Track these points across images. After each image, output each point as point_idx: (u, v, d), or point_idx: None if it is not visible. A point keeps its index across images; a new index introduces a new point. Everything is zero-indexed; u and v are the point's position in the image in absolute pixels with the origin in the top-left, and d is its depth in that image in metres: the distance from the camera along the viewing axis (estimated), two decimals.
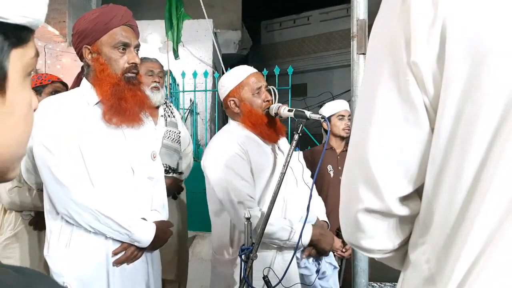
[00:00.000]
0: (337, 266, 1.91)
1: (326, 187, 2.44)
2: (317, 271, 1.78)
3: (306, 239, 1.68)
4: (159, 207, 1.65)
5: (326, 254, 1.81)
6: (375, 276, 1.77)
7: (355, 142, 0.66)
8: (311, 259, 1.78)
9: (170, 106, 2.58)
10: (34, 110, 0.50)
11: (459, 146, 0.55)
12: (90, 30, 1.51)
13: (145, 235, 1.52)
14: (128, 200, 1.52)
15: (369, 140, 0.62)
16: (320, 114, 1.63)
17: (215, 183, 1.70)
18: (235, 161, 1.67)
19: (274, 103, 1.79)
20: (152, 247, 1.57)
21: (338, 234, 2.33)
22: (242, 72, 1.81)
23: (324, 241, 1.75)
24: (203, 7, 3.95)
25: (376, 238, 0.66)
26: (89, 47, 1.52)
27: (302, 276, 1.74)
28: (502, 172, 0.52)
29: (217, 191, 1.70)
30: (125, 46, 1.53)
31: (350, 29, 1.44)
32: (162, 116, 2.49)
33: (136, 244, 1.51)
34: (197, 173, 1.98)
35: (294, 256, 1.58)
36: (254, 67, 1.85)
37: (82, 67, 1.61)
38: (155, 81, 2.43)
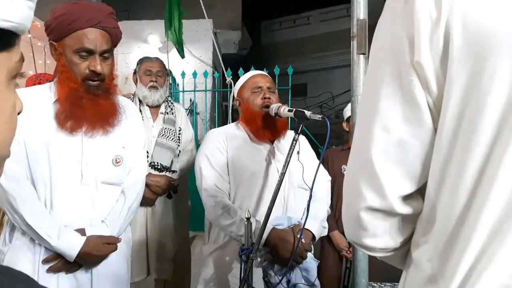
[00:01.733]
0: (316, 284, 1.68)
1: (338, 187, 2.41)
2: (288, 282, 1.63)
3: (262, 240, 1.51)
4: (112, 217, 1.53)
5: (283, 263, 1.60)
6: (375, 276, 1.75)
7: (358, 141, 0.67)
8: (276, 266, 1.63)
9: (171, 102, 2.58)
10: (19, 113, 0.50)
11: (461, 146, 0.56)
12: (54, 28, 1.41)
13: (68, 249, 1.40)
14: (70, 205, 1.44)
15: (372, 140, 0.62)
16: (320, 114, 1.63)
17: (196, 172, 1.80)
18: (212, 153, 1.77)
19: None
20: (84, 262, 1.44)
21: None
22: (248, 74, 1.90)
23: (283, 247, 1.57)
24: (203, 7, 3.94)
25: (379, 237, 0.66)
26: (55, 44, 1.43)
27: (268, 282, 1.60)
28: (504, 171, 0.52)
29: (196, 179, 1.79)
30: (88, 52, 1.40)
31: (350, 29, 1.44)
32: (162, 113, 2.49)
33: (63, 255, 1.41)
34: None
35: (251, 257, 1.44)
36: (254, 67, 1.88)
37: None
38: (152, 81, 2.45)
